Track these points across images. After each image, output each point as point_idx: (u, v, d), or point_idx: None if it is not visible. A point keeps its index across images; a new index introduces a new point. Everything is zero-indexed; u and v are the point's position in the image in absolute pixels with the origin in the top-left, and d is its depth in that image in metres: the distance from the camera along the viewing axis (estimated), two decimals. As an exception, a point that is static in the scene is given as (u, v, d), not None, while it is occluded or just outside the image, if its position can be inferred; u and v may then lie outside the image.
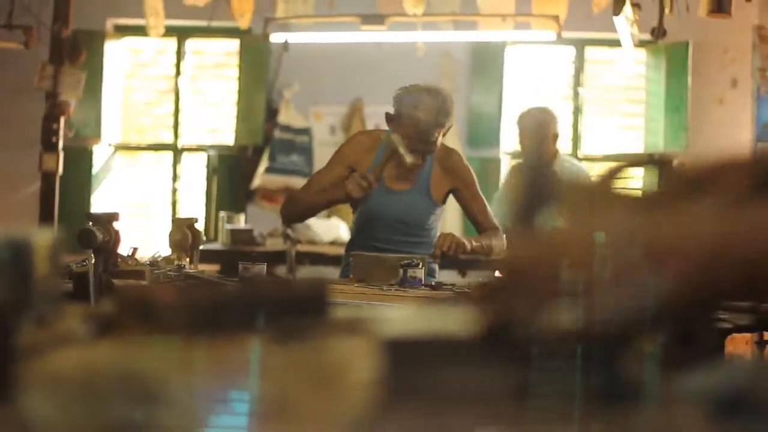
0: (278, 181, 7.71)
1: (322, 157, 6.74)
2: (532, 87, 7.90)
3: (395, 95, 3.84)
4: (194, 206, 8.03)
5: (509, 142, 7.63)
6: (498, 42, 7.60)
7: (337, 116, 7.94)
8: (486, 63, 7.84)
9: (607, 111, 7.95)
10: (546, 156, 4.70)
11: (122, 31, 8.13)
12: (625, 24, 5.71)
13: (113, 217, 3.14)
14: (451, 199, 3.99)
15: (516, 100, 7.74)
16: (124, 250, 3.26)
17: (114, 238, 3.10)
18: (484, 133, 7.80)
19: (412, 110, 3.73)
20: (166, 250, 3.76)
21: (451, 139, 4.65)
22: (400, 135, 3.78)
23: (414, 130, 3.74)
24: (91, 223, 3.08)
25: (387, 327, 0.78)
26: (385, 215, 3.89)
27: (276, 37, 6.96)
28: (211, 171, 8.03)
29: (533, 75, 7.95)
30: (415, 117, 3.72)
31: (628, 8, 5.64)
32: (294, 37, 6.97)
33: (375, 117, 7.42)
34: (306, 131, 7.89)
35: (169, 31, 7.22)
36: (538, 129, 4.69)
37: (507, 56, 7.86)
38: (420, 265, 3.51)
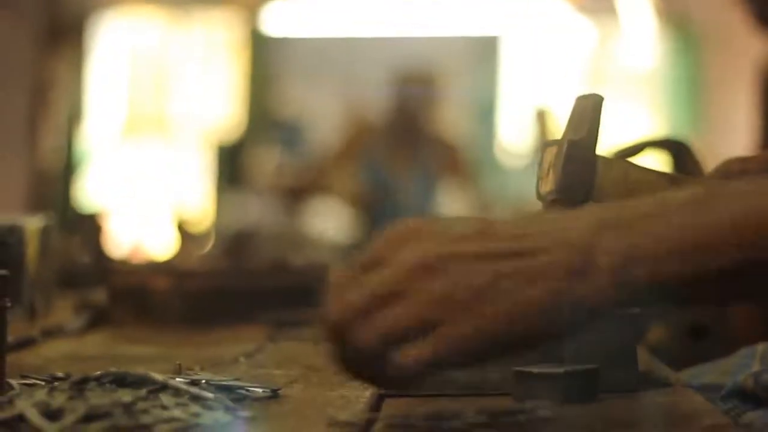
0: (278, 173, 7.68)
1: (319, 149, 6.73)
2: (540, 72, 7.79)
3: (381, 86, 3.85)
4: (193, 197, 8.00)
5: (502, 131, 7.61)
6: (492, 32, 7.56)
7: (334, 108, 7.91)
8: (484, 49, 7.82)
9: (620, 94, 7.83)
10: None
11: (120, 16, 8.08)
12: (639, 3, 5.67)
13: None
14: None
15: (516, 87, 7.68)
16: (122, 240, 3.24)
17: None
18: (478, 122, 7.77)
19: (397, 101, 3.74)
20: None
21: (446, 126, 4.62)
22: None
23: (399, 121, 3.75)
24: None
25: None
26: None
27: (276, 27, 6.95)
28: (210, 162, 8.00)
29: (542, 60, 7.84)
30: (400, 108, 3.73)
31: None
32: (293, 27, 6.96)
33: (372, 108, 7.39)
34: (304, 123, 7.88)
35: (171, 19, 7.18)
36: None
37: (506, 43, 7.82)
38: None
